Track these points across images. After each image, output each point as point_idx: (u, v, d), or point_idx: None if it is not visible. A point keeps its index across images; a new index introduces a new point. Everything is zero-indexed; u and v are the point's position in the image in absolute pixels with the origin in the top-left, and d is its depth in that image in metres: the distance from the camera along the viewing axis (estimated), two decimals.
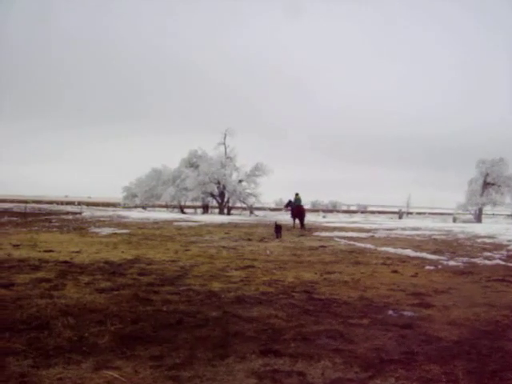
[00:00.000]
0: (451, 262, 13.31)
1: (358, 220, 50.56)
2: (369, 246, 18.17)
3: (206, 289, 8.64)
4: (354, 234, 24.68)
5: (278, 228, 22.59)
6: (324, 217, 61.82)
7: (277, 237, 22.00)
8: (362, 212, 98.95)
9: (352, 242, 19.64)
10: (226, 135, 61.45)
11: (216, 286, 9.00)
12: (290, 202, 32.70)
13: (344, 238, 22.31)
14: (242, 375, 4.46)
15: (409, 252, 15.80)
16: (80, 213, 46.52)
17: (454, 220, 56.10)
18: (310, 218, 50.58)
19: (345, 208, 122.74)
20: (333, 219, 51.50)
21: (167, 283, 9.12)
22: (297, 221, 30.99)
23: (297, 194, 32.33)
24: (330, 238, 21.89)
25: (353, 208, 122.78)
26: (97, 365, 4.60)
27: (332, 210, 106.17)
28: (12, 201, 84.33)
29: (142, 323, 6.14)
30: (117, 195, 75.33)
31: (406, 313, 7.17)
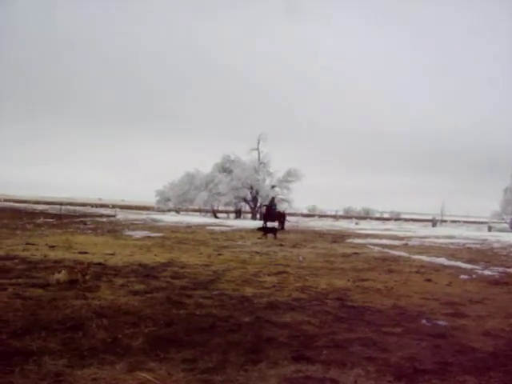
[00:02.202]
0: (486, 272, 13.11)
1: (391, 227, 50.10)
2: (402, 253, 18.02)
3: (238, 294, 8.66)
4: (388, 242, 24.48)
5: (270, 229, 24.97)
6: (357, 224, 61.34)
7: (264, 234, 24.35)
8: (395, 219, 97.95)
9: (385, 250, 19.50)
10: (259, 140, 61.57)
11: (249, 291, 9.02)
12: (266, 206, 32.88)
13: (377, 245, 22.17)
14: (275, 381, 4.46)
15: (443, 261, 15.61)
16: (114, 215, 47.03)
17: (489, 229, 55.11)
18: (342, 225, 50.39)
19: (378, 215, 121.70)
20: (366, 226, 51.12)
21: (200, 287, 9.17)
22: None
23: (273, 199, 32.06)
24: (363, 246, 21.77)
25: (386, 215, 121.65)
26: (130, 366, 4.65)
27: (365, 217, 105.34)
28: (47, 202, 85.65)
29: (175, 326, 6.19)
30: (150, 199, 76.02)
31: (439, 322, 7.07)
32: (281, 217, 32.26)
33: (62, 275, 8.91)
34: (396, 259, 15.99)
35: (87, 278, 9.14)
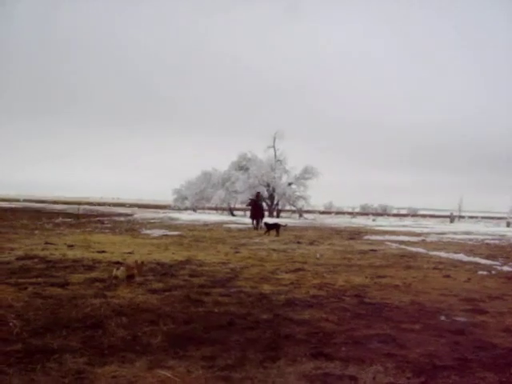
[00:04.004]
0: (505, 268, 13.00)
1: (409, 224, 49.87)
2: (420, 250, 17.93)
3: (256, 291, 8.67)
4: (405, 238, 24.36)
5: (273, 226, 24.85)
6: (374, 220, 61.20)
7: (265, 232, 24.50)
8: (413, 216, 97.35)
9: (403, 246, 19.41)
10: (275, 138, 61.61)
11: (266, 288, 9.03)
12: (251, 200, 31.28)
13: (395, 241, 22.07)
14: (293, 378, 4.47)
15: (461, 257, 15.51)
16: (131, 214, 47.30)
17: (508, 224, 54.60)
18: (359, 222, 50.23)
19: (395, 212, 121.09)
20: (383, 223, 50.95)
21: (218, 285, 9.20)
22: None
23: (258, 193, 31.53)
24: (381, 242, 21.69)
25: (403, 212, 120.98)
26: (150, 364, 4.69)
27: (382, 213, 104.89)
28: (66, 202, 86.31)
29: (193, 324, 6.22)
30: (167, 198, 76.37)
31: (458, 318, 7.04)
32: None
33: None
34: (414, 255, 15.91)
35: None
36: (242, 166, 63.11)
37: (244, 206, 64.81)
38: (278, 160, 61.81)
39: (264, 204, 61.80)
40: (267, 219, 31.57)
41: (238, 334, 5.84)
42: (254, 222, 30.01)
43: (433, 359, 5.07)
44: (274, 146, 62.15)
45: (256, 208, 30.12)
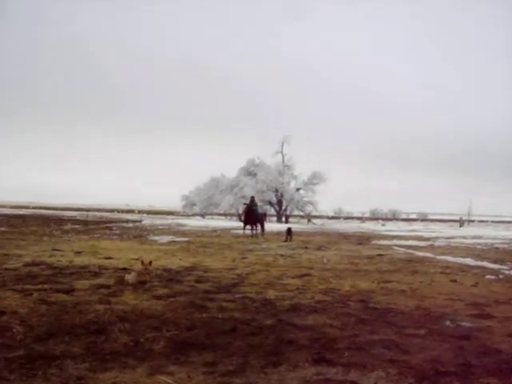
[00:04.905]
0: None
1: (418, 228, 49.69)
2: (428, 254, 17.85)
3: (261, 297, 8.65)
4: (413, 243, 24.27)
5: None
6: (383, 225, 60.96)
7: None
8: (422, 220, 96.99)
9: (411, 251, 19.34)
10: (283, 143, 61.72)
11: (272, 293, 9.01)
12: (246, 205, 30.10)
13: (403, 246, 22.00)
14: (294, 383, 4.45)
15: (469, 261, 15.42)
16: (140, 221, 47.41)
17: None
18: (368, 227, 50.09)
19: (404, 216, 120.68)
20: (392, 228, 50.76)
21: (223, 291, 9.19)
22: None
23: (252, 198, 30.30)
24: (389, 247, 21.63)
25: (412, 216, 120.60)
26: (151, 370, 4.68)
27: (391, 218, 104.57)
28: (75, 209, 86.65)
29: (196, 330, 6.20)
30: (176, 204, 76.49)
31: (464, 323, 6.98)
32: (263, 218, 30.25)
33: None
34: (421, 260, 15.84)
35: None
36: (250, 172, 63.32)
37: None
38: (286, 165, 61.91)
39: (270, 208, 62.01)
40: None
41: (241, 339, 5.82)
42: (247, 227, 28.75)
43: (436, 365, 5.02)
44: (281, 152, 62.29)
45: (250, 213, 28.94)
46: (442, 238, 30.26)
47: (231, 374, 4.65)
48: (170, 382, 4.37)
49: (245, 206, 29.98)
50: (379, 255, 17.26)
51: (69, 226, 32.57)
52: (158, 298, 8.27)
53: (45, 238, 21.19)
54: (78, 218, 51.30)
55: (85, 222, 39.70)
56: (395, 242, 25.21)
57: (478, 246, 23.23)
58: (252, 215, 28.68)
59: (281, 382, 4.47)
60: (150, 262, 9.80)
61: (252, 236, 27.45)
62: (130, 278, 9.38)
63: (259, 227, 29.18)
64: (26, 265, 11.83)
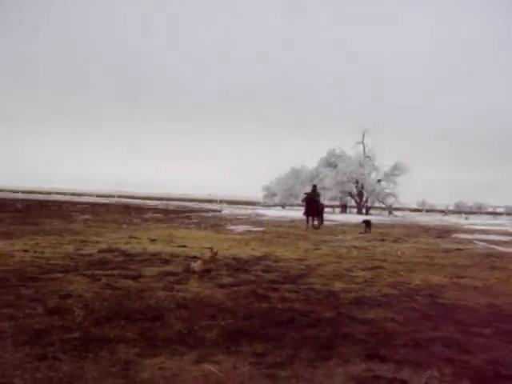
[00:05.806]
0: None
1: (503, 223, 47.74)
2: (510, 250, 17.08)
3: (326, 288, 8.52)
4: (496, 238, 23.28)
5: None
6: (466, 218, 58.99)
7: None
8: (508, 214, 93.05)
9: (492, 246, 18.58)
10: (364, 134, 60.76)
11: (338, 285, 8.85)
12: (306, 195, 27.16)
13: (484, 240, 21.15)
14: (341, 379, 4.32)
15: None
16: (220, 211, 47.88)
17: None
18: (451, 220, 48.64)
19: (490, 210, 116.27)
20: (475, 221, 49.00)
21: (289, 281, 9.11)
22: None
23: (314, 187, 27.83)
24: (469, 241, 20.85)
25: (499, 210, 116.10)
26: (199, 358, 4.67)
27: (476, 211, 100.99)
28: (158, 198, 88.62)
29: (253, 319, 6.16)
30: (258, 194, 76.89)
31: None
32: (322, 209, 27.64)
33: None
34: (502, 255, 15.18)
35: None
36: (330, 163, 62.76)
37: (333, 202, 64.56)
38: (367, 156, 60.93)
39: (349, 199, 61.29)
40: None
41: (296, 331, 5.73)
42: (310, 219, 26.42)
43: (497, 367, 4.74)
44: (362, 142, 61.34)
45: (311, 204, 26.46)
46: None
47: (278, 365, 4.57)
48: (214, 371, 4.35)
49: (305, 195, 27.34)
50: (457, 249, 16.66)
51: (149, 215, 33.33)
52: (222, 286, 8.30)
53: (124, 226, 21.76)
54: (159, 207, 52.46)
55: (165, 211, 40.55)
56: (476, 236, 24.27)
57: None
58: (312, 206, 26.43)
59: (327, 377, 4.35)
60: (216, 252, 9.86)
61: (307, 228, 25.39)
62: (195, 265, 9.48)
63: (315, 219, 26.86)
64: (101, 251, 12.18)
